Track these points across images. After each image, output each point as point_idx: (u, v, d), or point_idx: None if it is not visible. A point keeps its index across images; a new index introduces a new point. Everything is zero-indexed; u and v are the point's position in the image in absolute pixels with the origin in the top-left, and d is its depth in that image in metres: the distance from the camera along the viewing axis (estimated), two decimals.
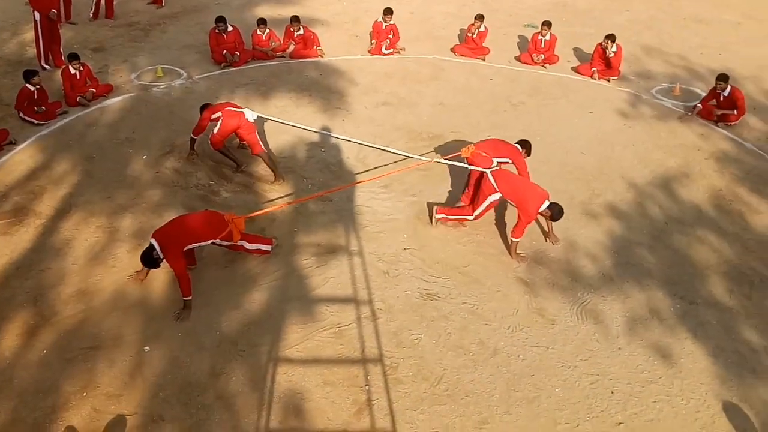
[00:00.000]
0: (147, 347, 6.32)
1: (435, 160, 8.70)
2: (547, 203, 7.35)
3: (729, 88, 10.77)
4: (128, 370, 6.08)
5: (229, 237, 6.97)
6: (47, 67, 12.08)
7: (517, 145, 8.48)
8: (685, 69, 13.33)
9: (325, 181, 9.06)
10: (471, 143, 8.46)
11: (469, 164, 8.25)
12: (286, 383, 5.99)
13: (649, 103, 11.81)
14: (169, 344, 6.36)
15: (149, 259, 6.57)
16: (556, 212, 7.41)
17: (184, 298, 6.67)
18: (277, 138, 10.02)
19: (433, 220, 8.03)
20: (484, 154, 8.17)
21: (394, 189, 8.85)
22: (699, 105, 11.11)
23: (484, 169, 7.80)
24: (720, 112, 10.85)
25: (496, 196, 7.51)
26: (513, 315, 6.90)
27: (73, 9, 14.52)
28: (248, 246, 7.30)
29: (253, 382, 6.00)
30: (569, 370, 6.27)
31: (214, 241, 6.92)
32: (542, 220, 7.99)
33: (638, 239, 8.13)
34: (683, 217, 8.57)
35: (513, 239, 7.55)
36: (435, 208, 8.11)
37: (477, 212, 7.76)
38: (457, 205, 8.29)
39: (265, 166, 9.03)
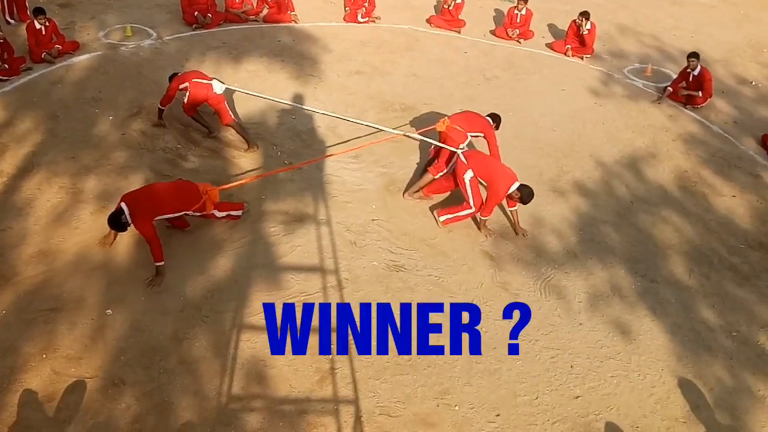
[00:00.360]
0: (109, 310, 6.25)
1: (406, 134, 8.66)
2: (516, 185, 7.28)
3: (699, 67, 10.89)
4: (89, 333, 6.02)
5: (203, 208, 6.88)
6: (11, 21, 11.72)
7: (488, 118, 8.47)
8: (658, 50, 13.43)
9: (295, 149, 8.98)
10: (445, 116, 8.41)
11: (443, 139, 8.21)
12: (250, 350, 5.99)
13: (620, 82, 11.90)
14: (131, 308, 6.30)
15: (117, 223, 6.43)
16: (525, 194, 7.26)
17: (156, 264, 6.57)
18: (247, 104, 9.87)
19: (439, 223, 7.78)
20: (458, 128, 8.11)
21: (364, 159, 8.82)
22: (670, 88, 11.22)
23: (455, 149, 7.73)
24: (686, 92, 10.97)
25: (470, 173, 7.40)
26: (477, 288, 6.97)
27: None
28: (219, 214, 7.21)
29: (216, 348, 5.99)
30: (530, 344, 6.37)
31: (186, 212, 6.84)
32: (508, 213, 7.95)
33: (604, 217, 8.23)
34: (648, 197, 8.69)
35: (481, 217, 7.55)
36: (436, 210, 7.84)
37: (472, 200, 7.47)
38: (424, 176, 8.19)
39: (236, 134, 8.90)
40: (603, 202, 8.52)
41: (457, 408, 5.69)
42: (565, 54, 12.71)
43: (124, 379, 5.64)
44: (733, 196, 8.86)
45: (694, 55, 10.91)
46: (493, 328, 6.48)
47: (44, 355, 5.77)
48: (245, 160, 8.64)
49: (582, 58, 12.64)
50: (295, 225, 7.56)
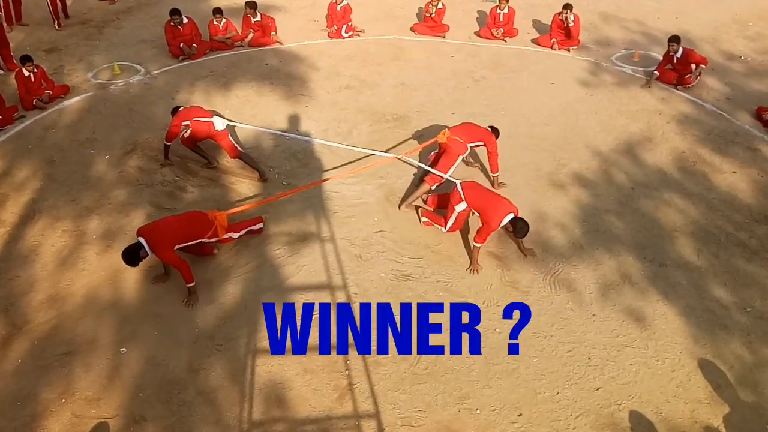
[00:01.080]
0: (123, 348, 6.26)
1: (398, 156, 8.71)
2: (510, 217, 6.99)
3: (681, 49, 10.92)
4: (106, 373, 6.02)
5: (216, 234, 7.04)
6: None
7: (488, 128, 8.47)
8: (643, 34, 13.47)
9: (291, 169, 9.01)
10: (445, 128, 8.41)
11: (443, 150, 8.26)
12: (266, 374, 5.99)
13: (609, 70, 11.92)
14: (145, 344, 6.31)
15: (134, 257, 6.51)
16: (518, 228, 7.01)
17: (188, 286, 6.71)
18: (241, 128, 9.91)
19: (421, 222, 7.89)
20: (459, 139, 8.16)
21: (361, 173, 8.83)
22: (656, 72, 11.25)
23: (454, 180, 7.59)
24: (698, 75, 11.06)
25: (463, 206, 7.28)
26: (487, 289, 6.96)
27: (23, 10, 14.13)
28: (236, 235, 7.36)
29: (233, 375, 5.99)
30: (546, 340, 6.36)
31: (202, 240, 6.95)
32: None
33: (606, 206, 8.23)
34: (648, 181, 8.69)
35: (475, 244, 7.21)
36: (421, 210, 8.00)
37: (449, 226, 7.50)
38: (421, 187, 8.19)
39: (247, 165, 8.91)
40: (603, 191, 8.52)
41: (478, 411, 5.67)
42: (551, 48, 12.75)
43: (145, 415, 5.64)
44: (734, 172, 8.85)
45: (674, 39, 10.96)
46: (507, 328, 6.46)
47: (63, 400, 5.77)
48: (244, 186, 8.66)
49: (569, 50, 12.68)
50: (300, 245, 7.57)
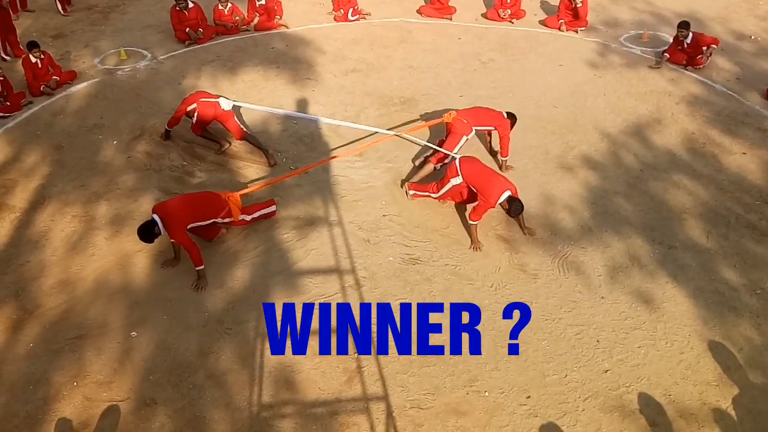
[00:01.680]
0: (134, 332, 6.31)
1: (399, 134, 8.74)
2: (507, 194, 7.04)
3: (691, 35, 10.80)
4: (117, 357, 6.07)
5: (230, 215, 7.09)
6: (6, 58, 11.78)
7: (504, 112, 8.43)
8: (652, 14, 13.33)
9: (299, 153, 9.00)
10: (453, 110, 8.42)
11: (449, 130, 8.26)
12: (275, 357, 6.02)
13: (618, 51, 11.81)
14: (155, 328, 6.35)
15: (149, 233, 6.59)
16: (513, 208, 7.10)
17: (197, 268, 6.75)
18: (248, 113, 9.88)
19: (408, 195, 7.96)
20: (464, 120, 8.17)
21: (369, 157, 8.82)
22: (666, 54, 11.14)
23: (452, 154, 7.77)
24: (708, 55, 10.95)
25: (458, 180, 7.34)
26: (495, 273, 6.96)
27: None
28: (248, 218, 7.41)
29: (243, 358, 6.03)
30: (554, 323, 6.36)
31: (215, 220, 6.98)
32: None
33: (614, 188, 8.19)
34: (658, 163, 8.64)
35: (471, 222, 7.26)
36: (407, 184, 8.02)
37: (440, 193, 7.61)
38: (425, 167, 8.24)
39: (253, 147, 8.94)
40: (612, 173, 8.47)
41: (487, 394, 5.69)
42: (559, 29, 12.63)
43: (155, 398, 5.69)
44: (744, 153, 8.78)
45: (683, 25, 10.83)
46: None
47: (75, 383, 5.83)
48: (252, 170, 8.67)
49: (576, 32, 12.55)
50: (308, 229, 7.58)
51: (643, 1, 13.96)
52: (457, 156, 7.63)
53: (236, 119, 8.80)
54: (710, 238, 7.38)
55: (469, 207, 7.54)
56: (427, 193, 7.80)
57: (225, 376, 5.87)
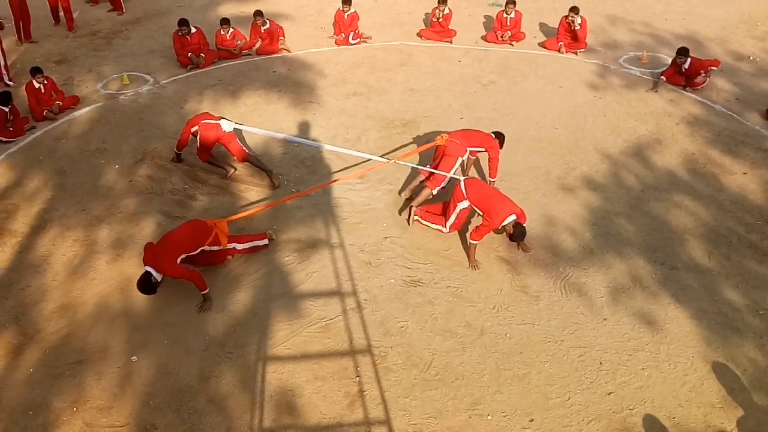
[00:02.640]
0: (134, 357, 6.28)
1: (395, 161, 8.75)
2: (513, 218, 7.08)
3: (689, 60, 10.86)
4: (117, 382, 6.04)
5: (217, 241, 7.06)
6: (11, 83, 11.85)
7: (491, 134, 8.47)
8: (651, 36, 13.43)
9: (300, 176, 9.02)
10: (445, 133, 8.43)
11: (441, 153, 8.26)
12: (277, 381, 5.99)
13: (617, 72, 11.88)
14: (156, 352, 6.33)
15: (147, 286, 6.58)
16: (517, 234, 7.13)
17: (202, 293, 6.79)
18: (249, 135, 9.95)
19: (410, 220, 7.88)
20: (457, 141, 8.19)
21: (370, 179, 8.84)
22: (663, 77, 11.19)
23: (457, 177, 7.77)
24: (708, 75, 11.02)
25: (465, 204, 7.32)
26: (497, 294, 6.94)
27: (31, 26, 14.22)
28: (240, 247, 7.38)
29: (244, 382, 5.99)
30: (557, 345, 6.32)
31: (203, 248, 6.96)
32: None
33: (616, 209, 8.19)
34: (658, 184, 8.65)
35: (471, 241, 7.29)
36: (414, 208, 7.89)
37: (450, 223, 7.54)
38: (423, 192, 8.16)
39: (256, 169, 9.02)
40: (613, 194, 8.48)
41: (489, 417, 5.65)
42: (558, 51, 12.73)
43: (156, 423, 5.65)
44: (744, 173, 8.79)
45: (682, 52, 10.88)
46: (518, 333, 6.44)
47: (75, 408, 5.79)
48: (253, 193, 8.69)
49: (576, 53, 12.65)
50: (309, 251, 7.57)
51: (642, 23, 14.07)
52: (462, 178, 7.61)
53: (238, 141, 8.86)
54: (712, 258, 7.36)
55: (471, 227, 7.54)
56: (438, 227, 7.67)
57: (226, 401, 5.83)
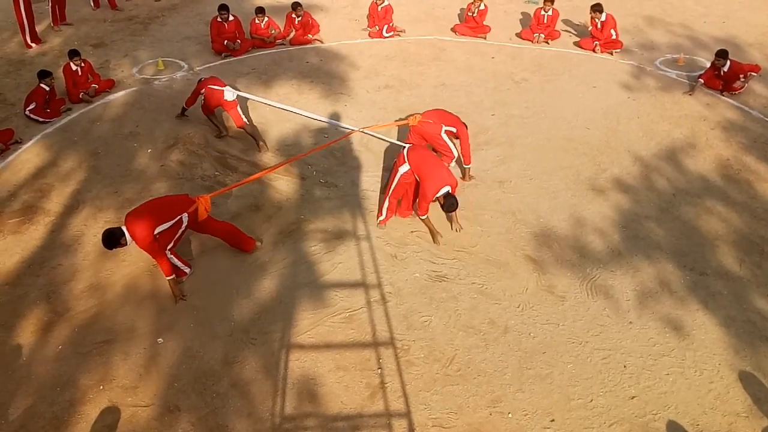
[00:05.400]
0: (160, 339, 6.37)
1: (362, 130, 9.14)
2: (445, 189, 7.10)
3: (728, 63, 10.66)
4: (143, 362, 6.14)
5: (195, 215, 6.86)
6: (33, 45, 12.32)
7: (458, 115, 8.57)
8: (689, 38, 13.22)
9: (329, 167, 9.06)
10: (417, 113, 8.58)
11: (417, 134, 8.41)
12: (299, 369, 6.04)
13: (653, 74, 11.73)
14: (182, 335, 6.41)
15: (111, 241, 6.41)
16: (447, 204, 7.13)
17: (167, 278, 6.69)
18: (282, 126, 10.04)
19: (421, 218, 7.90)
20: (430, 121, 8.28)
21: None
22: (701, 80, 11.01)
23: (403, 144, 7.95)
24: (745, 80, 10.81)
25: (406, 167, 7.41)
26: (522, 293, 6.91)
27: (67, 10, 14.45)
28: (170, 255, 6.87)
29: (267, 369, 6.05)
30: (581, 346, 6.28)
31: (180, 216, 6.71)
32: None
33: (646, 212, 8.10)
34: (691, 188, 8.53)
35: (420, 217, 7.54)
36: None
37: (392, 188, 7.59)
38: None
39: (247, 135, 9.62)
40: (644, 197, 8.38)
41: (510, 416, 5.63)
42: (593, 51, 12.59)
43: (179, 405, 5.73)
44: None
45: (721, 54, 10.63)
46: (542, 333, 6.41)
47: (101, 387, 5.90)
48: (282, 182, 8.74)
49: (611, 54, 12.50)
50: (336, 242, 7.61)
51: (681, 25, 13.86)
52: (407, 146, 7.73)
53: (238, 109, 9.43)
54: (743, 266, 7.25)
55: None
56: (386, 205, 7.74)
57: (248, 386, 5.89)
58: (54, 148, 9.54)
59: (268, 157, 9.21)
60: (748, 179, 8.69)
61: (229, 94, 9.32)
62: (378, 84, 11.49)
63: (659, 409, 5.66)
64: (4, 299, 6.86)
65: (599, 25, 12.36)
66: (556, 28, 13.14)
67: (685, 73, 11.64)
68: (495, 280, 7.07)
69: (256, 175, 8.31)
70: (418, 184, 7.48)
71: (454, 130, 8.43)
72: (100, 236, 7.58)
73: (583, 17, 14.14)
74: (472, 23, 13.45)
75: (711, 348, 6.25)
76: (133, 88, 11.34)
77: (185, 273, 7.08)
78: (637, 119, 10.21)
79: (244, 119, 9.53)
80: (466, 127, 8.52)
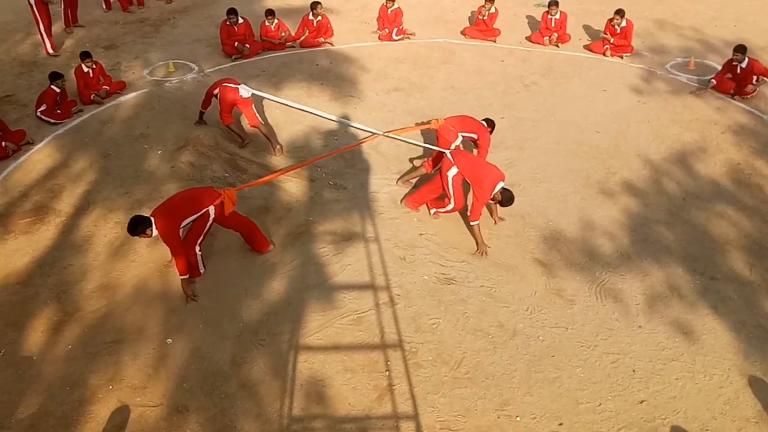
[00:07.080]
0: (169, 339, 6.39)
1: (386, 134, 8.99)
2: (501, 185, 7.19)
3: (747, 59, 10.61)
4: (152, 362, 6.16)
5: (221, 208, 6.90)
6: (51, 52, 12.39)
7: (483, 122, 8.59)
8: (700, 42, 13.17)
9: (338, 169, 9.08)
10: (441, 118, 8.66)
11: (437, 135, 8.50)
12: (308, 371, 6.05)
13: (663, 78, 11.69)
14: (191, 335, 6.43)
15: (136, 228, 6.43)
16: (505, 198, 7.20)
17: (180, 277, 6.73)
18: (292, 128, 10.07)
19: (431, 215, 8.06)
20: (451, 127, 8.32)
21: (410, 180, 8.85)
22: (713, 80, 10.97)
23: (443, 150, 7.91)
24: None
25: (454, 170, 7.42)
26: (531, 296, 6.90)
27: (79, 12, 14.55)
28: (198, 252, 7.01)
29: (275, 370, 6.06)
30: (589, 350, 6.26)
31: (207, 209, 6.76)
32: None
33: (656, 216, 8.07)
34: (701, 193, 8.49)
35: (471, 223, 7.41)
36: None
37: (451, 197, 7.61)
38: (419, 169, 8.61)
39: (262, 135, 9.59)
40: (654, 200, 8.35)
41: (518, 419, 5.62)
42: (603, 54, 12.56)
43: (188, 405, 5.74)
44: None
45: (739, 49, 10.61)
46: (550, 336, 6.39)
47: (110, 387, 5.92)
48: (292, 184, 8.76)
49: (622, 57, 12.47)
50: (344, 244, 7.62)
51: (691, 29, 13.81)
52: (448, 151, 7.77)
53: (253, 108, 9.43)
54: (753, 271, 7.21)
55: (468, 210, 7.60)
56: (446, 209, 7.81)
57: (257, 387, 5.90)
58: (65, 149, 9.60)
59: (278, 159, 9.23)
60: (759, 183, 8.65)
61: (244, 91, 9.24)
62: (387, 87, 11.51)
63: (668, 414, 5.63)
64: (15, 299, 6.91)
65: (618, 30, 12.31)
66: (566, 32, 13.10)
67: (696, 77, 11.60)
68: (504, 283, 7.06)
69: (283, 171, 8.46)
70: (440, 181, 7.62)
71: (474, 136, 8.46)
72: (110, 237, 7.72)
73: (593, 20, 14.12)
74: (482, 26, 13.46)
75: (721, 353, 6.21)
76: (144, 90, 11.40)
77: (200, 273, 7.12)
78: (647, 123, 10.18)
79: (259, 119, 9.53)
80: (492, 128, 8.60)
